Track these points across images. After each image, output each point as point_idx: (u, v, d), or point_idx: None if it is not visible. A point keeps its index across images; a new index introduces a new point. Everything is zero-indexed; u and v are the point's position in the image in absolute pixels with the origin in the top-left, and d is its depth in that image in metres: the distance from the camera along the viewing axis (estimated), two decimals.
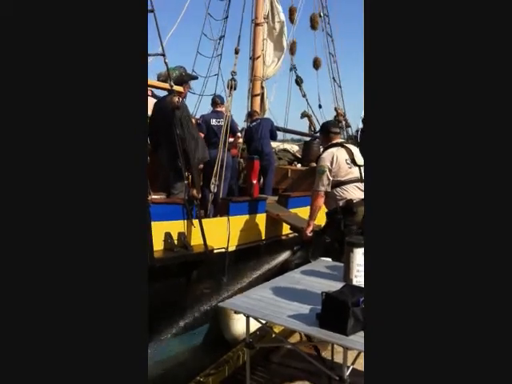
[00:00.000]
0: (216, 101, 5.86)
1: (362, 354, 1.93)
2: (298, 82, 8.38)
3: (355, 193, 3.90)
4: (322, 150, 4.74)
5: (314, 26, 8.70)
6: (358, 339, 1.98)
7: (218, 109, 5.78)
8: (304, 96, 8.39)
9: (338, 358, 2.77)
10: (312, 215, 4.03)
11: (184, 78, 4.44)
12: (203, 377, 2.80)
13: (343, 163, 3.92)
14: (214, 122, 5.59)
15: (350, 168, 3.94)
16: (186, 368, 3.72)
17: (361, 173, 3.99)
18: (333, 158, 3.90)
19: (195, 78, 5.20)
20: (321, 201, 3.94)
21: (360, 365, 2.11)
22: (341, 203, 3.86)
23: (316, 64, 8.91)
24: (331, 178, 3.88)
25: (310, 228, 4.06)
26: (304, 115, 8.81)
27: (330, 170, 3.87)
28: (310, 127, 8.91)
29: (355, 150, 4.05)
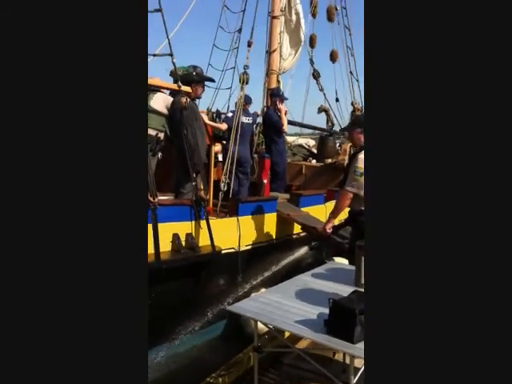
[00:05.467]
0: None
1: None
2: (315, 75, 8.24)
3: None
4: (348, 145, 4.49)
5: (330, 18, 8.51)
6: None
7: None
8: (321, 90, 8.25)
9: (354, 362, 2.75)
10: (335, 214, 3.89)
11: (194, 78, 4.41)
12: (213, 378, 2.82)
13: None
14: (244, 119, 5.64)
15: None
16: (201, 364, 3.73)
17: None
18: None
19: (209, 79, 5.11)
20: (348, 202, 3.77)
21: None
22: None
23: (333, 57, 8.72)
24: None
25: (330, 225, 3.93)
26: (321, 110, 8.63)
27: None
28: (327, 122, 8.70)
29: None
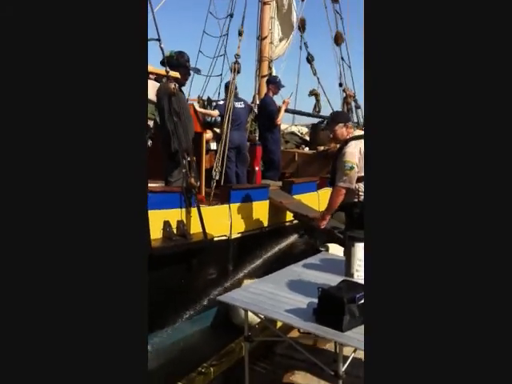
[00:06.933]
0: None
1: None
2: (309, 59, 8.04)
3: None
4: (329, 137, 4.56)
5: None
6: (353, 335, 1.98)
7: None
8: (315, 74, 8.07)
9: (344, 351, 2.77)
10: (329, 210, 3.90)
11: (172, 62, 4.16)
12: (205, 367, 2.84)
13: None
14: (237, 104, 5.66)
15: None
16: (193, 353, 3.75)
17: None
18: (360, 153, 3.69)
19: (186, 66, 4.63)
20: (342, 198, 3.76)
21: (360, 354, 2.11)
22: (362, 198, 3.69)
23: (338, 39, 8.31)
24: (357, 174, 3.70)
25: (325, 222, 3.97)
26: (312, 93, 8.54)
27: (358, 166, 3.68)
28: (315, 107, 8.62)
29: None
